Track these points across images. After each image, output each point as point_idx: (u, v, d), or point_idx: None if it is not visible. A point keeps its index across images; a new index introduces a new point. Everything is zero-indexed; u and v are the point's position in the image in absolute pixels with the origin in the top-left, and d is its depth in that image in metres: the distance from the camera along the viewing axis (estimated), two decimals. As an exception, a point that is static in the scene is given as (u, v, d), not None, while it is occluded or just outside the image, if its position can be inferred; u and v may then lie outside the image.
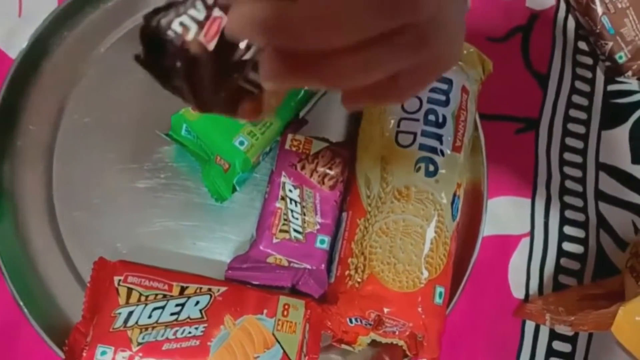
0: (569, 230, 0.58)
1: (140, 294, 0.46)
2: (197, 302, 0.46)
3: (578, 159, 0.61)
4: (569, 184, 0.60)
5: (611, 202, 0.59)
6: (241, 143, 0.50)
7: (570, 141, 0.61)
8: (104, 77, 0.56)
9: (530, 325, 0.55)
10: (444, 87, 0.51)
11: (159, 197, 0.53)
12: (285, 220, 0.50)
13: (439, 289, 0.47)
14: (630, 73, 0.61)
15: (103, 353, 0.43)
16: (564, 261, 0.57)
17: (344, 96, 0.29)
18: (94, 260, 0.48)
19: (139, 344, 0.44)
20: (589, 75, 0.63)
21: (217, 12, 0.27)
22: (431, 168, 0.49)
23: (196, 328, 0.45)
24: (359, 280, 0.47)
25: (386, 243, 0.47)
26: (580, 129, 0.61)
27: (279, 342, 0.45)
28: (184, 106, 0.51)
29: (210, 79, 0.28)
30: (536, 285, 0.56)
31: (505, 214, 0.58)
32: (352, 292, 0.47)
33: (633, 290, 0.50)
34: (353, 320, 0.47)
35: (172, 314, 0.45)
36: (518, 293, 0.56)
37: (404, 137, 0.50)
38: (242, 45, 0.27)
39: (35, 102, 0.55)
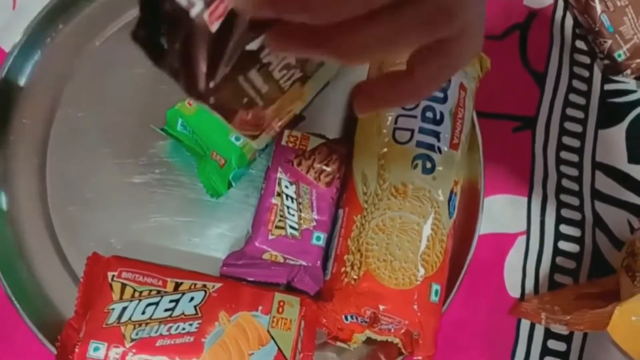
0: (565, 229, 0.58)
1: (134, 290, 0.45)
2: (192, 298, 0.45)
3: (574, 157, 0.60)
4: (565, 182, 0.59)
5: (607, 201, 0.59)
6: (237, 139, 0.50)
7: (567, 140, 0.61)
8: (99, 71, 0.55)
9: (525, 324, 0.55)
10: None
11: (153, 193, 0.53)
12: (281, 216, 0.50)
13: (435, 287, 0.47)
14: (629, 71, 0.61)
15: (96, 349, 0.43)
16: (559, 260, 0.57)
17: (357, 102, 0.29)
18: (88, 256, 0.48)
19: (132, 340, 0.43)
20: (586, 74, 0.63)
21: None
22: (428, 165, 0.49)
23: (190, 324, 0.44)
24: (355, 277, 0.47)
25: (382, 240, 0.47)
26: (577, 128, 0.61)
27: (273, 339, 0.45)
28: (179, 101, 0.50)
29: (205, 63, 0.26)
30: (532, 284, 0.56)
31: (502, 212, 0.58)
32: (348, 289, 0.47)
33: (629, 289, 0.50)
34: (349, 317, 0.47)
35: (166, 310, 0.45)
36: (514, 292, 0.56)
37: (401, 134, 0.49)
38: (243, 28, 0.26)
39: (29, 96, 0.55)
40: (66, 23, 0.56)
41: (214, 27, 0.25)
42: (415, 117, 0.50)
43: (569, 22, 0.64)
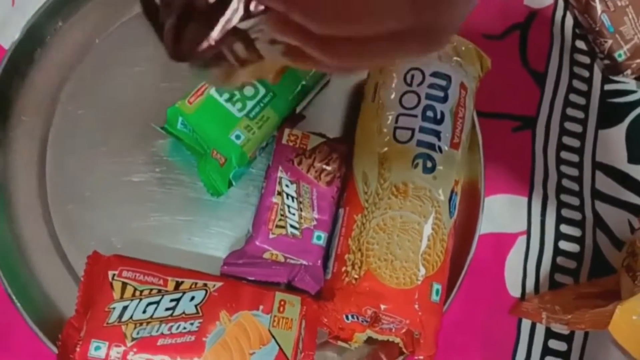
0: (565, 228, 0.58)
1: (135, 289, 0.45)
2: (193, 298, 0.45)
3: (575, 157, 0.61)
4: (565, 182, 0.60)
5: (607, 201, 0.60)
6: (237, 137, 0.50)
7: (567, 140, 0.61)
8: (98, 68, 0.55)
9: (526, 324, 0.55)
10: (443, 83, 0.50)
11: (154, 191, 0.53)
12: (282, 215, 0.50)
13: (436, 286, 0.47)
14: (629, 71, 0.61)
15: (97, 348, 0.43)
16: (560, 260, 0.57)
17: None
18: (88, 255, 0.47)
19: (133, 339, 0.43)
20: (586, 74, 0.63)
21: None
22: (429, 164, 0.48)
23: (191, 323, 0.44)
24: (355, 276, 0.47)
25: (383, 239, 0.47)
26: (577, 128, 0.61)
27: (274, 339, 0.45)
28: (180, 99, 0.50)
29: (196, 30, 0.27)
30: (532, 284, 0.56)
31: (502, 212, 0.58)
32: (349, 288, 0.47)
33: (629, 289, 0.50)
34: (349, 316, 0.47)
35: (167, 309, 0.45)
36: (514, 291, 0.56)
37: (401, 133, 0.49)
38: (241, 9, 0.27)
39: (28, 93, 0.54)
40: (65, 20, 0.56)
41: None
42: (415, 116, 0.50)
43: (569, 22, 0.65)
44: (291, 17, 0.23)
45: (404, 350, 0.48)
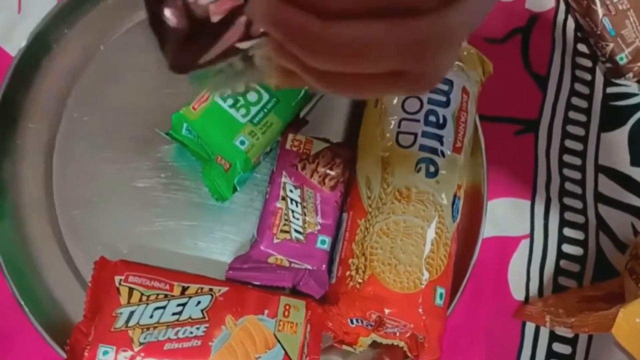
0: (568, 232, 0.58)
1: (142, 294, 0.46)
2: (199, 302, 0.46)
3: (577, 161, 0.61)
4: (568, 185, 0.60)
5: (610, 205, 0.60)
6: (242, 143, 0.50)
7: (569, 143, 0.61)
8: (104, 75, 0.56)
9: (530, 327, 0.55)
10: (445, 88, 0.51)
11: (159, 197, 0.53)
12: (286, 220, 0.50)
13: (440, 290, 0.47)
14: (631, 75, 0.62)
15: (105, 353, 0.43)
16: (563, 263, 0.58)
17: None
18: (95, 260, 0.48)
19: (140, 344, 0.44)
20: (588, 77, 0.63)
21: None
22: (432, 169, 0.49)
23: (197, 328, 0.45)
24: (359, 281, 0.47)
25: (387, 244, 0.47)
26: (579, 131, 0.62)
27: (280, 343, 0.45)
28: (185, 105, 0.51)
29: (197, 46, 0.28)
30: (536, 287, 0.57)
31: (505, 215, 0.58)
32: (353, 292, 0.47)
33: (633, 292, 0.50)
34: (354, 321, 0.47)
35: (173, 314, 0.45)
36: (518, 294, 0.56)
37: (404, 137, 0.50)
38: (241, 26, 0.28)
39: (34, 100, 0.55)
40: (71, 27, 0.56)
41: (215, 19, 0.27)
42: (418, 120, 0.50)
43: (571, 25, 0.65)
44: (288, 47, 0.24)
45: (409, 354, 0.48)
